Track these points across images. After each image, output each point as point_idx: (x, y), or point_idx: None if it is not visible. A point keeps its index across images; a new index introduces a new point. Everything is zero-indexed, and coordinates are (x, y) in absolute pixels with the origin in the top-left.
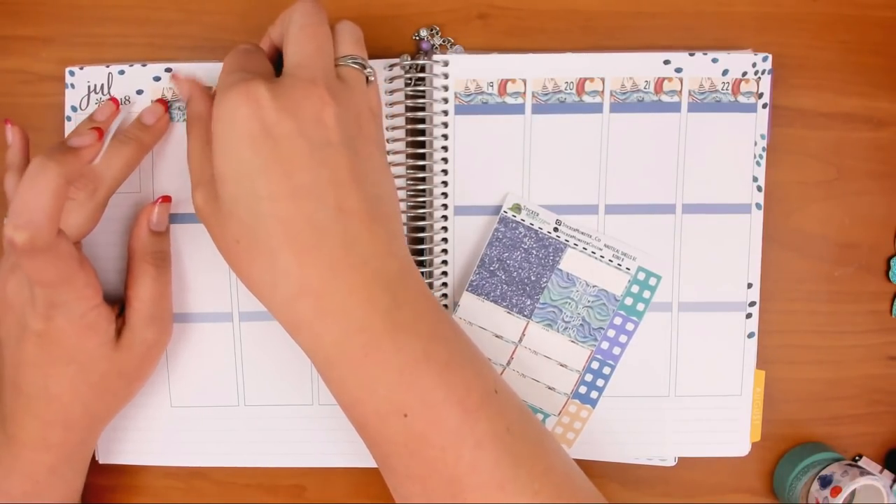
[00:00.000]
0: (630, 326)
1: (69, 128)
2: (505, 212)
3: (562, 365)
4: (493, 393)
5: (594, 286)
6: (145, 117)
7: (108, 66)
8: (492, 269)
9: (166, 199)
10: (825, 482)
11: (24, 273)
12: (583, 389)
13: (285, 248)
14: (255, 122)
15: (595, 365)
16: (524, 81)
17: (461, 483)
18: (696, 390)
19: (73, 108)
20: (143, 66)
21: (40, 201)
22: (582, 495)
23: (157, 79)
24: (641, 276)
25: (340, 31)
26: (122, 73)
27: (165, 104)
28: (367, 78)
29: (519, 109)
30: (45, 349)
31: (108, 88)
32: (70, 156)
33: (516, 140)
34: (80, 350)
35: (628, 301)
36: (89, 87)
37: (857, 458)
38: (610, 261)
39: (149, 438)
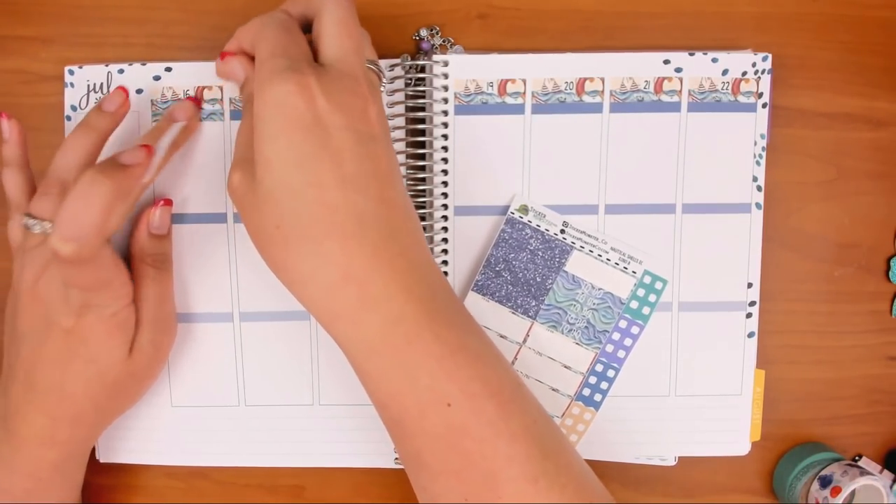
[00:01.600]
0: (635, 330)
1: (69, 127)
2: (512, 213)
3: (566, 367)
4: (520, 386)
5: (600, 289)
6: (178, 114)
7: (107, 66)
8: (497, 269)
9: (167, 202)
10: (825, 482)
11: (64, 278)
12: (586, 392)
13: (330, 235)
14: (306, 111)
15: (599, 368)
16: (524, 81)
17: (497, 476)
18: (696, 390)
19: (73, 108)
20: (143, 65)
21: (90, 216)
22: (598, 491)
23: (156, 78)
24: (647, 279)
25: (365, 36)
26: (121, 72)
27: (126, 91)
28: (382, 86)
29: (519, 109)
30: (71, 346)
31: (108, 88)
32: (121, 173)
33: (516, 140)
34: (105, 349)
35: (634, 304)
36: (88, 86)
37: (856, 458)
38: (616, 264)
39: (150, 438)
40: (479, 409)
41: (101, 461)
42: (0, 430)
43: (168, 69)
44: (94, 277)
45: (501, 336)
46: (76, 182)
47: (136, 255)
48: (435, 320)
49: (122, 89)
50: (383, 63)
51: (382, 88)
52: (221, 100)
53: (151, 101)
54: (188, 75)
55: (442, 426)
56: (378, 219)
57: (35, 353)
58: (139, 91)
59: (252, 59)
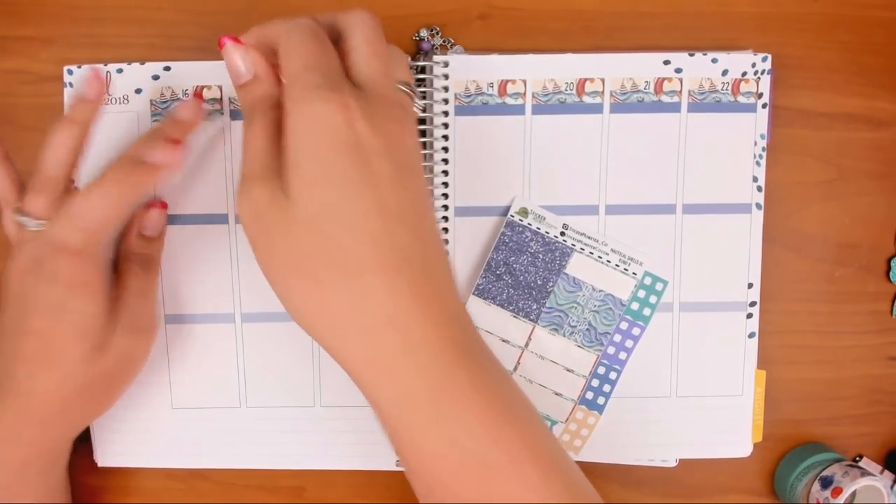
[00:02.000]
0: (636, 331)
1: None
2: (512, 216)
3: (568, 370)
4: (552, 439)
5: (600, 291)
6: (181, 113)
7: (106, 65)
8: (498, 272)
9: (163, 205)
10: (826, 483)
11: (53, 270)
12: (589, 395)
13: (373, 270)
14: (349, 133)
15: (601, 370)
16: (524, 82)
17: None
18: (697, 391)
19: None
20: (142, 64)
21: (105, 212)
22: None
23: (155, 77)
24: (648, 280)
25: (396, 54)
26: (120, 71)
27: (101, 76)
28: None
29: (519, 110)
30: (39, 348)
31: (107, 87)
32: (145, 171)
33: (517, 141)
34: (68, 356)
35: (635, 306)
36: None
37: (857, 458)
38: (616, 265)
39: (150, 440)
40: (523, 474)
41: (100, 465)
42: None
43: (167, 68)
44: (82, 273)
45: (503, 341)
46: (103, 174)
47: (125, 256)
48: (477, 374)
49: (97, 73)
50: None
51: (415, 108)
52: (221, 99)
53: (151, 100)
54: (187, 75)
55: (480, 493)
56: (417, 254)
57: (11, 351)
58: (138, 91)
59: (263, 57)
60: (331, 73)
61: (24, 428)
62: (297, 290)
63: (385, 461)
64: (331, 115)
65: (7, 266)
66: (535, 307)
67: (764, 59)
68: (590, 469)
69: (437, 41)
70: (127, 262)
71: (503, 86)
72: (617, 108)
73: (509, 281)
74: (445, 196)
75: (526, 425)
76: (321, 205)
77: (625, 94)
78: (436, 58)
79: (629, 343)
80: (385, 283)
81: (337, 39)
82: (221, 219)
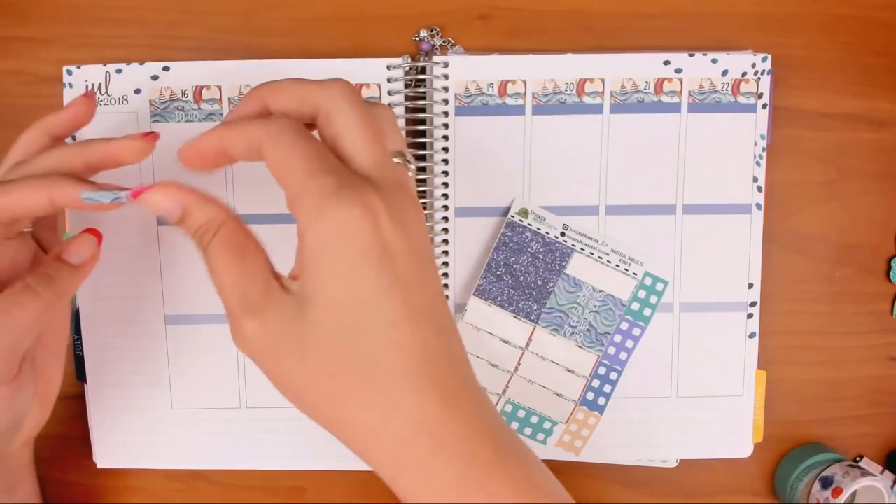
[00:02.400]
0: (637, 332)
1: None
2: (512, 216)
3: (569, 371)
4: None
5: (601, 291)
6: (70, 256)
7: (105, 66)
8: (498, 273)
9: (97, 234)
10: (826, 483)
11: None
12: (590, 396)
13: (404, 381)
14: (375, 238)
15: (602, 371)
16: (524, 82)
17: None
18: (698, 391)
19: None
20: (141, 64)
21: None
22: None
23: (154, 78)
24: (648, 281)
25: (385, 120)
26: (119, 71)
27: (99, 238)
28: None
29: (519, 110)
30: None
31: (106, 87)
32: (67, 279)
33: (517, 141)
34: None
35: (635, 306)
36: (87, 86)
37: (858, 458)
38: (617, 266)
39: (149, 440)
40: None
41: (100, 466)
42: None
43: (166, 69)
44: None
45: (504, 341)
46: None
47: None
48: (510, 468)
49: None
50: (383, 63)
51: (411, 174)
52: (220, 99)
53: (150, 101)
54: (186, 75)
55: None
56: (444, 354)
57: None
58: (137, 91)
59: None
60: (339, 172)
61: None
62: (321, 411)
63: None
64: (355, 221)
65: None
66: (535, 308)
67: (764, 60)
68: (590, 469)
69: (437, 41)
70: (26, 280)
71: (503, 86)
72: (617, 108)
73: (510, 281)
74: (445, 196)
75: (554, 494)
76: (345, 324)
77: (625, 94)
78: (436, 58)
79: (629, 343)
80: (415, 392)
81: (308, 119)
82: None
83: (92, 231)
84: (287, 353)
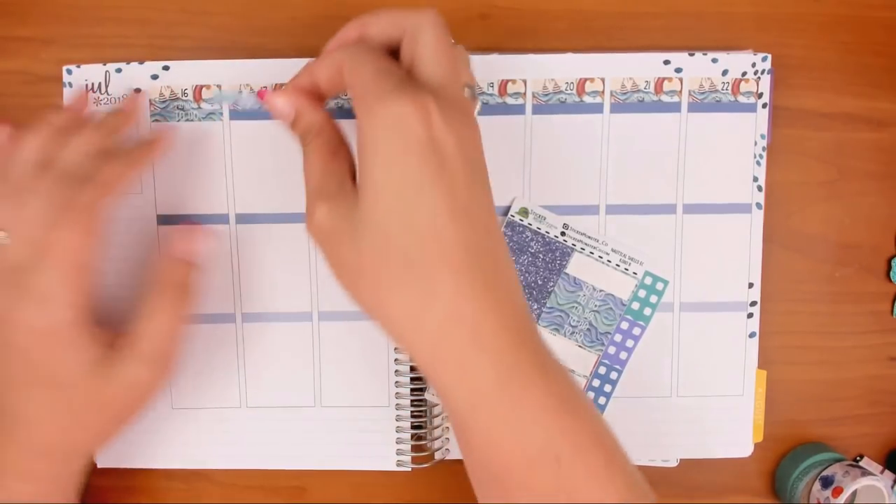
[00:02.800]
0: (637, 331)
1: None
2: (512, 216)
3: (569, 370)
4: (613, 435)
5: (601, 290)
6: (147, 135)
7: (105, 65)
8: None
9: (205, 229)
10: (826, 483)
11: (47, 240)
12: (590, 395)
13: (442, 269)
14: (424, 133)
15: (602, 370)
16: (524, 82)
17: None
18: (698, 391)
19: None
20: (141, 64)
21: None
22: None
23: (154, 77)
24: (648, 280)
25: (462, 55)
26: (119, 71)
27: (168, 129)
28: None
29: (519, 110)
30: (31, 368)
31: (106, 87)
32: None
33: (517, 141)
34: (61, 370)
35: (635, 306)
36: (87, 85)
37: (858, 458)
38: (617, 265)
39: (150, 440)
40: (589, 464)
41: (100, 466)
42: None
43: (166, 68)
44: (75, 246)
45: None
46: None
47: (157, 283)
48: (544, 369)
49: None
50: None
51: (477, 113)
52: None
53: (150, 100)
54: (186, 74)
55: (550, 485)
56: (487, 254)
57: (2, 378)
58: (137, 90)
59: (312, 95)
60: (403, 79)
61: (33, 462)
62: (368, 296)
63: (386, 461)
64: (406, 116)
65: None
66: (535, 307)
67: (764, 59)
68: None
69: None
70: (160, 291)
71: (503, 85)
72: (617, 107)
73: None
74: None
75: (589, 416)
76: (390, 210)
77: (625, 93)
78: None
79: (630, 343)
80: (454, 283)
81: (398, 44)
82: (222, 219)
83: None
84: (345, 238)
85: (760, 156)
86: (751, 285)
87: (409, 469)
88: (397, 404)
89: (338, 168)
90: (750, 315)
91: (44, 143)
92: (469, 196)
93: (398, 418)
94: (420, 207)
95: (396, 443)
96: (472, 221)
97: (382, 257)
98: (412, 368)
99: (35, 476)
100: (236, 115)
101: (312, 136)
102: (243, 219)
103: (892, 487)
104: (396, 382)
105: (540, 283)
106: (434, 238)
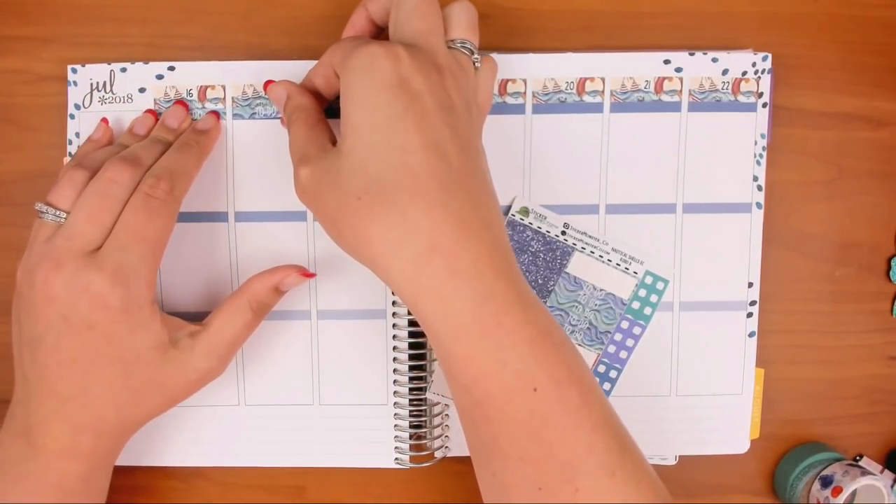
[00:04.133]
0: (637, 330)
1: (72, 126)
2: (513, 215)
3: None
4: (594, 377)
5: (601, 290)
6: (199, 124)
7: (110, 64)
8: None
9: (309, 275)
10: (826, 482)
11: (132, 231)
12: None
13: (416, 201)
14: (393, 73)
15: (602, 369)
16: (524, 81)
17: (575, 467)
18: (697, 390)
19: (77, 107)
20: (146, 63)
21: (186, 164)
22: (664, 492)
23: (159, 77)
24: (649, 280)
25: (454, 12)
26: (124, 70)
27: (217, 115)
28: (473, 64)
29: (519, 109)
30: (91, 345)
31: (111, 86)
32: (203, 136)
33: (517, 140)
34: (129, 348)
35: (635, 305)
36: (92, 84)
37: (857, 458)
38: (617, 265)
39: (149, 439)
40: (565, 397)
41: None
42: (23, 446)
43: (171, 68)
44: (156, 231)
45: None
46: (175, 143)
47: (247, 294)
48: (523, 301)
49: (183, 105)
50: None
51: (477, 65)
52: (224, 99)
53: (154, 99)
54: (191, 74)
55: (526, 412)
56: (461, 189)
57: (52, 357)
58: (142, 90)
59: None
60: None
61: (82, 440)
62: (352, 232)
63: (385, 459)
64: (377, 57)
65: (23, 274)
66: None
67: (764, 59)
68: None
69: None
70: (246, 301)
71: (503, 85)
72: (617, 107)
73: None
74: None
75: (566, 351)
76: (365, 147)
77: (625, 93)
78: None
79: (630, 342)
80: (429, 214)
81: None
82: (221, 217)
83: (212, 112)
84: (327, 187)
85: (760, 155)
86: (750, 285)
87: (408, 467)
88: (396, 402)
89: (318, 136)
90: (749, 314)
91: (130, 143)
92: (439, 133)
93: (397, 416)
94: (392, 142)
95: (395, 441)
96: (445, 157)
97: (362, 195)
98: (411, 367)
99: (82, 454)
100: (237, 115)
101: (297, 115)
102: (242, 217)
103: (892, 487)
104: (395, 381)
105: (540, 282)
106: (407, 172)
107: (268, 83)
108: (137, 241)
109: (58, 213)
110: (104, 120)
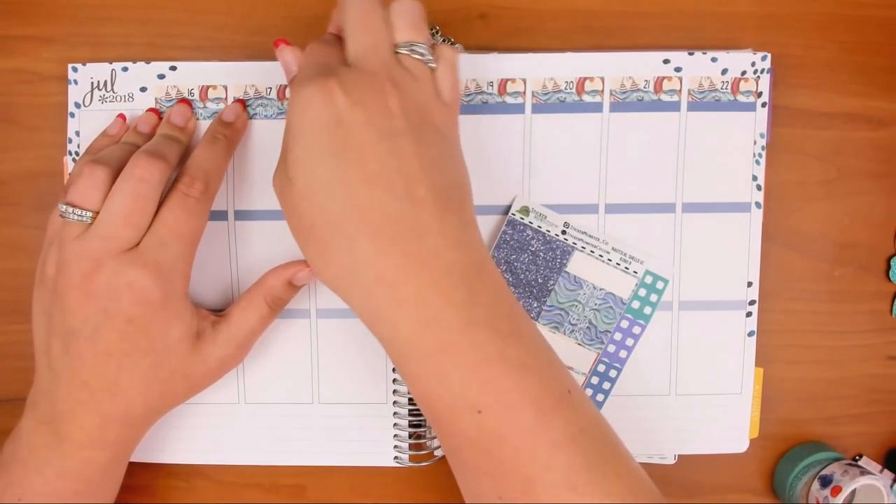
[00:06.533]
0: (637, 330)
1: (72, 125)
2: (513, 214)
3: (568, 367)
4: (567, 394)
5: (601, 289)
6: (225, 115)
7: (111, 64)
8: (499, 271)
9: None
10: (825, 482)
11: (169, 227)
12: (589, 392)
13: (361, 234)
14: (327, 111)
15: (601, 368)
16: (524, 81)
17: (533, 483)
18: (697, 389)
19: (77, 105)
20: (147, 63)
21: (216, 160)
22: (649, 495)
23: (161, 76)
24: (649, 279)
25: (394, 15)
26: (125, 69)
27: (243, 102)
28: (427, 65)
29: (519, 109)
30: (128, 337)
31: (112, 85)
32: (230, 129)
33: (516, 140)
34: (163, 339)
35: (635, 304)
36: (92, 83)
37: (857, 457)
38: (617, 264)
39: (149, 437)
40: (515, 418)
41: None
42: (48, 434)
43: (173, 68)
44: (193, 228)
45: None
46: (203, 138)
47: (263, 289)
48: (472, 326)
49: (187, 103)
50: None
51: (431, 65)
52: (226, 99)
53: (155, 98)
54: (193, 74)
55: (475, 431)
56: (407, 218)
57: (88, 349)
58: (143, 89)
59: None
60: (321, 64)
61: (109, 429)
62: (311, 256)
63: (385, 458)
64: (311, 98)
65: (53, 271)
66: (535, 305)
67: (763, 59)
68: None
69: (438, 40)
70: (262, 295)
71: (503, 85)
72: (617, 107)
73: (510, 279)
74: None
75: (529, 377)
76: (310, 181)
77: (624, 93)
78: None
79: (630, 341)
80: (374, 247)
81: None
82: (221, 216)
83: (238, 101)
84: (287, 201)
85: (760, 155)
86: (750, 284)
87: (408, 466)
88: (395, 401)
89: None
90: (749, 314)
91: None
92: (381, 165)
93: (396, 415)
94: (334, 176)
95: (395, 440)
96: (390, 189)
97: (315, 223)
98: None
99: (108, 443)
100: None
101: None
102: (242, 215)
103: (891, 487)
104: (394, 380)
105: (540, 281)
106: (352, 206)
107: (278, 41)
108: (176, 238)
109: (83, 213)
110: (121, 116)
